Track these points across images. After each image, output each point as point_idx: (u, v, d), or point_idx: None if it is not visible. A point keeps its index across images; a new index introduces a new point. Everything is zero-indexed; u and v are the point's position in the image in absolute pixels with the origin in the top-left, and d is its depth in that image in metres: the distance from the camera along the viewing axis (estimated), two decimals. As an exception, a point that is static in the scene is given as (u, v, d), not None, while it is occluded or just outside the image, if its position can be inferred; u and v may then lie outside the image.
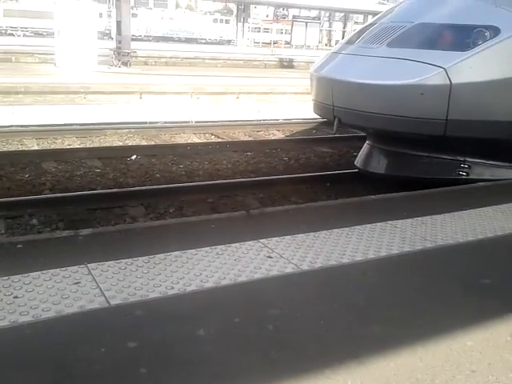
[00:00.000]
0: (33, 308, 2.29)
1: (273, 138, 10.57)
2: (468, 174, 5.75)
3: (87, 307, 2.32)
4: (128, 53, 17.75)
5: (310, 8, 60.56)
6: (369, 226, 3.49)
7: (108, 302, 2.37)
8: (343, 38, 54.00)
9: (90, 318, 2.25)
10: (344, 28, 62.40)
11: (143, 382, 1.87)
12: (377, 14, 7.05)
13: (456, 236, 3.41)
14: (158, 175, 7.05)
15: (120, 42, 17.72)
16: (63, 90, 11.51)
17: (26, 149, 8.40)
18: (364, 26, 7.01)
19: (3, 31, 42.30)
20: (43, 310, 2.27)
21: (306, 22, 45.97)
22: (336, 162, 8.36)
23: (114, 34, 26.27)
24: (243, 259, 2.86)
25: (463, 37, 5.35)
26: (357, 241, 3.22)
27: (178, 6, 74.70)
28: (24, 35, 42.55)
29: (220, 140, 9.81)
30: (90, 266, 2.70)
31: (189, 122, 11.45)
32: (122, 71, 16.44)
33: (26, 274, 2.57)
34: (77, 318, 2.24)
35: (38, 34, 42.11)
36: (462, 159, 5.77)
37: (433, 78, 5.13)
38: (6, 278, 2.52)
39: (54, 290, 2.45)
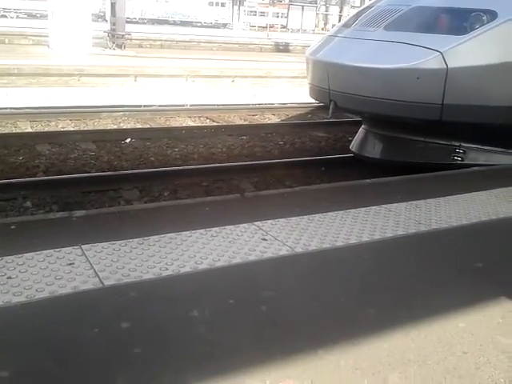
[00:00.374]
0: (26, 288, 2.28)
1: (268, 122, 10.53)
2: (463, 159, 5.75)
3: (81, 288, 2.32)
4: (122, 35, 17.58)
5: (306, -9, 60.00)
6: (363, 209, 3.49)
7: (102, 283, 2.36)
8: (339, 22, 53.64)
9: (84, 299, 2.25)
10: (341, 12, 61.95)
11: (136, 362, 1.87)
12: (373, -2, 6.99)
13: (450, 220, 3.42)
14: (152, 158, 7.02)
15: (114, 24, 17.54)
16: (57, 73, 11.39)
17: (20, 131, 8.34)
18: (361, 8, 6.95)
19: (-4, 13, 41.77)
20: (37, 291, 2.27)
21: (303, 6, 45.56)
22: (331, 146, 8.34)
23: (108, 16, 26.00)
24: (238, 241, 2.86)
25: (460, 20, 5.32)
26: (351, 224, 3.22)
27: (173, -12, 73.82)
28: (17, 17, 42.00)
29: (215, 124, 9.76)
30: (84, 247, 2.69)
31: (184, 105, 11.38)
32: (116, 54, 16.29)
33: (20, 255, 2.57)
34: (70, 299, 2.24)
35: (31, 16, 41.64)
36: (457, 144, 5.77)
37: (429, 61, 5.10)
38: (-1, 258, 2.52)
39: (48, 270, 2.44)
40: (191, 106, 11.36)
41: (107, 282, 2.37)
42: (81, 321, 2.10)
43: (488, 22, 5.15)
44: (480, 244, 3.17)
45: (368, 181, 4.35)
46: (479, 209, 3.68)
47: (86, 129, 8.77)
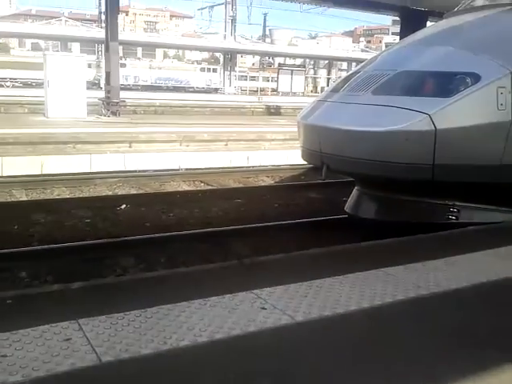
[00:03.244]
0: (22, 367, 2.22)
1: (262, 184, 10.63)
2: (457, 218, 5.79)
3: (78, 365, 2.26)
4: (117, 102, 17.98)
5: (295, 56, 62.16)
6: (362, 273, 3.47)
7: (99, 359, 2.31)
8: (328, 84, 55.28)
9: (81, 377, 2.19)
10: (328, 75, 63.99)
11: None
12: (359, 62, 7.24)
13: (449, 282, 3.40)
14: (148, 224, 7.02)
15: (109, 92, 17.99)
16: (53, 140, 11.58)
17: (15, 200, 8.37)
18: (348, 74, 7.18)
19: (-8, 82, 42.80)
20: (33, 369, 2.21)
21: (292, 70, 47.02)
22: (326, 207, 8.39)
23: (102, 83, 26.68)
24: (237, 311, 2.83)
25: (445, 83, 5.49)
26: (350, 289, 3.20)
27: (166, 55, 76.46)
28: (13, 86, 43.03)
29: (210, 187, 9.85)
30: (81, 321, 2.65)
31: (178, 169, 11.51)
32: (111, 120, 16.62)
33: (15, 332, 2.51)
34: (67, 377, 2.18)
35: (27, 85, 42.62)
36: (450, 203, 5.82)
37: (418, 123, 5.23)
38: (-6, 335, 2.47)
39: (45, 347, 2.39)
40: (186, 170, 11.49)
41: (105, 358, 2.32)
42: (78, 401, 2.04)
43: (472, 84, 5.32)
44: (480, 306, 3.14)
45: (365, 243, 4.35)
46: (477, 270, 3.66)
47: (81, 196, 8.82)
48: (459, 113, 5.29)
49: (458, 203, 5.78)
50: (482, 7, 6.87)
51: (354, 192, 6.72)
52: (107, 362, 2.30)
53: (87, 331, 2.55)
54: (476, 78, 5.36)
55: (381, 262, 3.70)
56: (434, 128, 5.18)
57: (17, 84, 44.26)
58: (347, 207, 6.74)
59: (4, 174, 10.00)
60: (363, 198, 6.52)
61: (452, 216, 5.79)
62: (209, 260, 5.44)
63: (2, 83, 44.08)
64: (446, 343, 2.62)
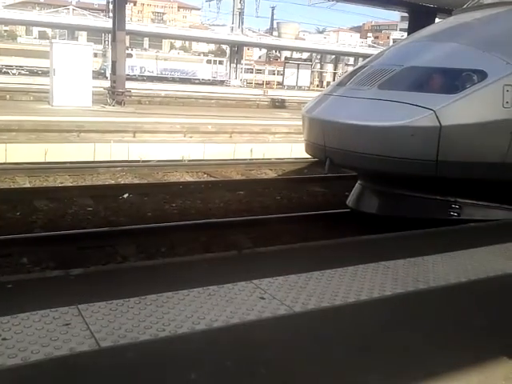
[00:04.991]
0: (21, 350, 2.24)
1: (265, 177, 10.63)
2: (459, 215, 5.79)
3: (77, 349, 2.28)
4: (122, 92, 17.98)
5: (301, 50, 62.00)
6: (361, 266, 3.48)
7: (98, 344, 2.33)
8: (334, 79, 55.13)
9: (80, 361, 2.21)
10: (335, 69, 63.85)
11: (133, 428, 1.83)
12: (366, 57, 7.21)
13: (448, 277, 3.41)
14: (149, 214, 7.04)
15: (115, 82, 17.99)
16: (57, 129, 11.59)
17: (18, 186, 8.39)
18: (354, 68, 7.16)
19: (-2, 70, 42.86)
20: (32, 353, 2.23)
21: (298, 64, 46.92)
22: (328, 201, 8.39)
23: (108, 73, 26.71)
24: (235, 300, 2.84)
25: (451, 80, 5.47)
26: (349, 282, 3.21)
27: (172, 47, 76.41)
28: (19, 74, 43.08)
29: (212, 179, 9.86)
30: (81, 306, 2.66)
31: (182, 160, 11.52)
32: (115, 110, 16.61)
33: (16, 315, 2.53)
34: (66, 361, 2.20)
35: (33, 73, 42.65)
36: (452, 199, 5.82)
37: (422, 119, 5.22)
38: (-5, 319, 2.49)
39: (44, 331, 2.41)
40: (189, 161, 11.50)
41: (104, 344, 2.34)
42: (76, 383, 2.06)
43: (478, 82, 5.30)
44: (478, 302, 3.15)
45: (365, 237, 4.36)
46: (476, 266, 3.67)
47: (84, 184, 8.83)
48: (464, 110, 5.27)
49: (459, 200, 5.78)
50: (491, 5, 6.83)
51: (357, 186, 6.73)
52: (106, 347, 2.32)
53: (86, 316, 2.57)
54: (482, 76, 5.33)
55: (381, 255, 3.71)
56: (438, 124, 5.17)
57: (23, 72, 44.30)
58: (349, 201, 6.75)
59: (8, 161, 10.02)
60: (365, 192, 6.52)
61: (453, 212, 5.79)
62: (209, 250, 5.47)
63: (8, 71, 44.15)
64: (444, 337, 2.63)
